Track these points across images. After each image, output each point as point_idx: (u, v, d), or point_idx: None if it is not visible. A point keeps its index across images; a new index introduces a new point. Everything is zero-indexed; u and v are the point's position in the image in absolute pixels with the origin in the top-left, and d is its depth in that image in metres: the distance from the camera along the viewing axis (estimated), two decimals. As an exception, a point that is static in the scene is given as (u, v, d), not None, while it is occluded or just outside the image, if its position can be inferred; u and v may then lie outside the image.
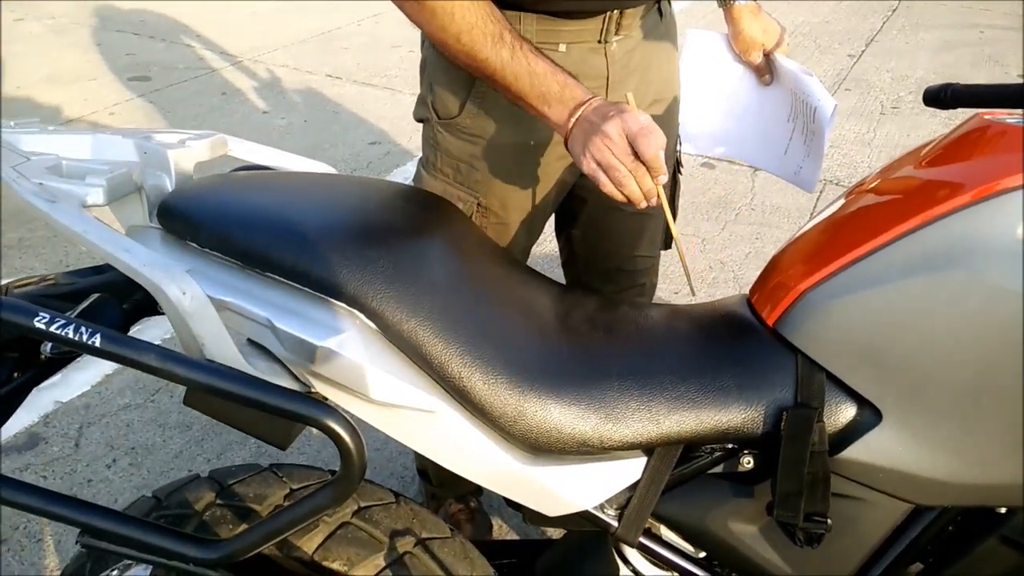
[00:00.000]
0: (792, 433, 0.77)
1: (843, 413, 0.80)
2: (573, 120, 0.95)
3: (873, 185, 0.88)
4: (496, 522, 1.74)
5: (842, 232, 0.84)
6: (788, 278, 0.84)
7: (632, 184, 0.91)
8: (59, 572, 1.63)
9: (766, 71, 1.30)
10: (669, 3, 1.25)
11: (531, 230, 1.26)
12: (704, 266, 2.63)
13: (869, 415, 0.79)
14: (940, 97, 1.01)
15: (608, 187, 0.93)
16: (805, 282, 0.81)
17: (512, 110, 1.14)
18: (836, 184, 3.13)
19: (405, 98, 3.90)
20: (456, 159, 1.20)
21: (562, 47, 1.12)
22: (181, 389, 2.19)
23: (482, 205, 1.20)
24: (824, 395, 0.79)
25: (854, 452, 0.79)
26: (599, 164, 0.92)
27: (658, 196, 0.94)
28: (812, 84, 1.18)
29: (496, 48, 0.97)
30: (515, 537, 1.73)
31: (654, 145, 0.89)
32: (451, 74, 1.15)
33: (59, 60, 4.36)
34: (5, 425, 0.83)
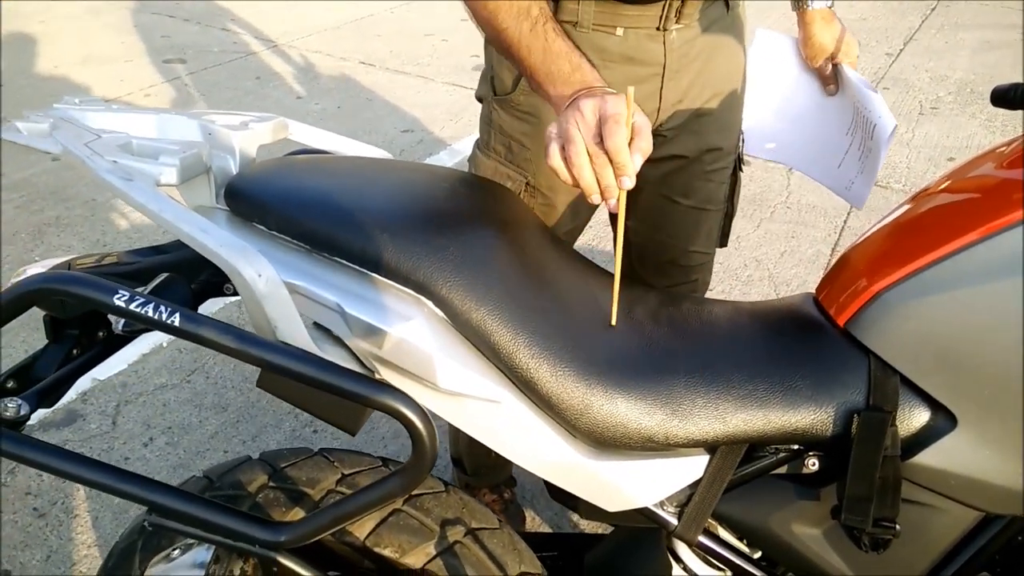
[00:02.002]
0: (865, 436, 0.76)
1: (916, 417, 0.78)
2: (569, 101, 0.86)
3: (948, 185, 0.86)
4: (528, 514, 1.74)
5: (918, 233, 0.82)
6: (860, 278, 0.82)
7: (587, 170, 0.79)
8: (96, 547, 1.64)
9: (832, 80, 1.27)
10: None
11: (576, 213, 1.25)
12: (739, 263, 2.60)
13: (943, 420, 0.77)
14: (1009, 96, 0.98)
15: (554, 159, 0.81)
16: (880, 283, 0.79)
17: None
18: (874, 184, 3.08)
19: (437, 86, 3.89)
20: (508, 137, 1.20)
21: (619, 31, 1.11)
22: (217, 370, 2.20)
23: (531, 185, 1.20)
24: (898, 398, 0.77)
25: (926, 457, 0.77)
26: (558, 134, 0.81)
27: (618, 200, 0.80)
28: (875, 100, 1.15)
29: (518, 19, 0.94)
30: (547, 529, 1.73)
31: (620, 135, 0.77)
32: None
33: (96, 41, 4.39)
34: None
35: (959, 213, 0.79)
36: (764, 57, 1.32)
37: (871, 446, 0.76)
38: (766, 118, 1.35)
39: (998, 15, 5.06)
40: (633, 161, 0.78)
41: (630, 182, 0.79)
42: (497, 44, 0.99)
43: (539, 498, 1.77)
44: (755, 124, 1.35)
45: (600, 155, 0.78)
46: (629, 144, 0.78)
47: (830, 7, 1.25)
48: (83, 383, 2.05)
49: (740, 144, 1.30)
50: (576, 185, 0.81)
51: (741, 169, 1.32)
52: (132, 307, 0.65)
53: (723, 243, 1.35)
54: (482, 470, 1.65)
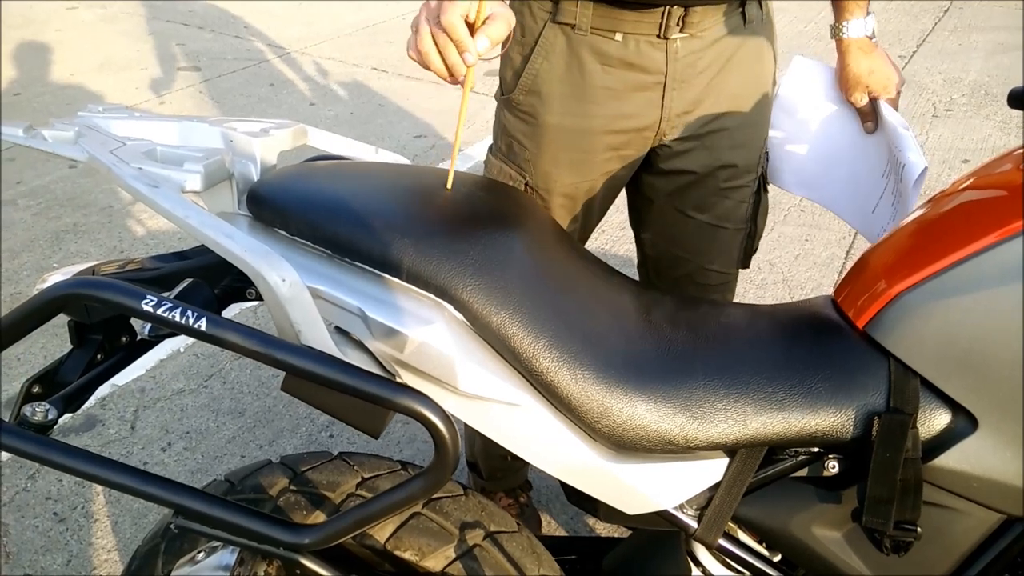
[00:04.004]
0: (885, 438, 0.76)
1: (937, 420, 0.78)
2: None
3: (967, 187, 0.86)
4: (544, 518, 1.74)
5: (938, 235, 0.82)
6: (880, 280, 0.82)
7: (433, 55, 0.81)
8: (116, 551, 1.66)
9: (870, 117, 1.20)
10: (761, 8, 1.18)
11: (575, 218, 1.24)
12: (753, 267, 2.59)
13: (964, 422, 0.77)
14: (1028, 99, 0.98)
15: (410, 51, 0.83)
16: (899, 285, 0.79)
17: (561, 90, 1.14)
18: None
19: (449, 92, 3.90)
20: (510, 136, 1.22)
21: (618, 36, 1.10)
22: (233, 376, 2.21)
23: (529, 185, 1.21)
24: (918, 401, 0.77)
25: (947, 460, 0.77)
26: (412, 25, 0.83)
27: (464, 80, 0.82)
28: (907, 139, 1.09)
29: None
30: (562, 533, 1.73)
31: (451, 11, 0.78)
32: (514, 49, 1.16)
33: (111, 48, 4.44)
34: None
35: (979, 215, 0.79)
36: (800, 86, 1.24)
37: (892, 448, 0.75)
38: (799, 152, 1.27)
39: (1011, 17, 5.02)
40: (477, 42, 0.80)
41: (472, 57, 0.80)
42: None
43: (554, 502, 1.77)
44: (787, 158, 1.28)
45: (441, 34, 0.80)
46: (479, 27, 0.80)
47: (870, 37, 1.19)
48: (101, 389, 2.06)
49: (762, 163, 1.24)
50: (443, 76, 0.83)
51: (765, 189, 1.26)
52: (160, 312, 0.66)
53: (745, 264, 1.30)
54: (498, 474, 1.65)
